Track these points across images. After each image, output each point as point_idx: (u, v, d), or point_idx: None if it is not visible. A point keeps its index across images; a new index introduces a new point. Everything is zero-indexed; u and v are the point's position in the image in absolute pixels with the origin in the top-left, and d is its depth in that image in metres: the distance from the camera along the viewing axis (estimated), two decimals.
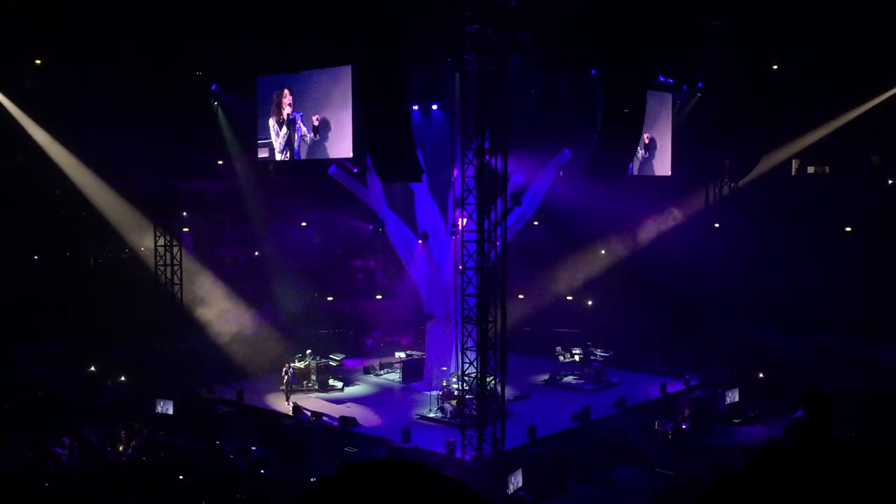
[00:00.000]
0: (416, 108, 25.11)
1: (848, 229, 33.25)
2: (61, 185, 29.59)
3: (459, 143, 20.68)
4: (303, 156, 24.56)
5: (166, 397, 24.96)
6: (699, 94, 28.83)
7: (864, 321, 29.64)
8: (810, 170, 36.71)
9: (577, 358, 29.02)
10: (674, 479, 20.90)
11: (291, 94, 24.34)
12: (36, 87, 28.83)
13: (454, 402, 23.54)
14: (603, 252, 34.88)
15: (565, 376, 28.96)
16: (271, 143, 25.13)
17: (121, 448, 22.58)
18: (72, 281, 30.36)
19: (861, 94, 31.24)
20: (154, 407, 25.01)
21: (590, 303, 34.30)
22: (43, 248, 31.78)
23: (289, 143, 24.65)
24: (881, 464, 1.98)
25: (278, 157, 25.30)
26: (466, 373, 20.32)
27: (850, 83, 30.74)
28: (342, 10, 21.34)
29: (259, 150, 25.84)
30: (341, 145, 23.61)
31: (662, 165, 28.16)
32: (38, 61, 28.01)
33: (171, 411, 24.80)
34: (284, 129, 24.59)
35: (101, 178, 28.88)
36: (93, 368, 28.26)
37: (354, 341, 33.24)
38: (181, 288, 26.85)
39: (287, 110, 24.47)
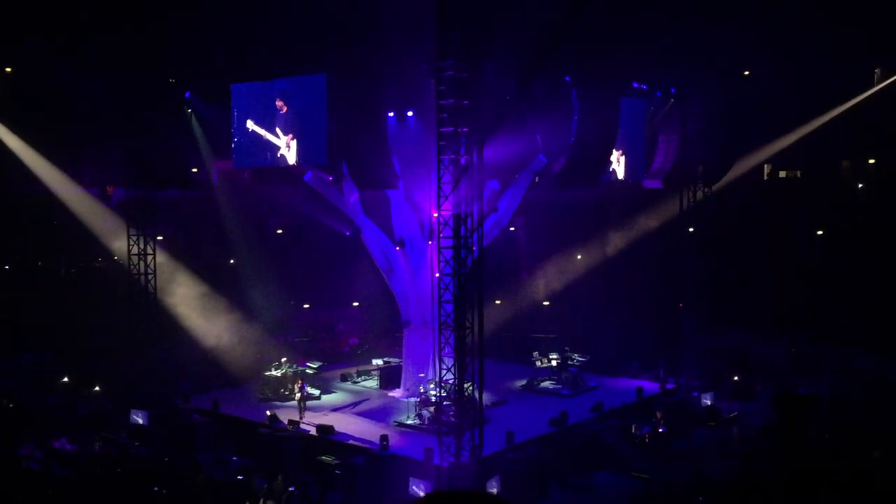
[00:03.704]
0: (391, 115, 25.13)
1: (820, 232, 33.67)
2: (33, 195, 29.26)
3: (435, 150, 20.70)
4: (284, 163, 24.47)
5: (141, 408, 24.71)
6: (672, 101, 29.08)
7: (837, 324, 30.00)
8: (782, 174, 37.13)
9: (554, 363, 29.11)
10: (651, 482, 20.99)
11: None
12: (7, 96, 28.51)
13: (432, 409, 23.52)
14: (579, 257, 35.06)
15: (542, 381, 29.03)
16: (264, 150, 24.80)
17: (96, 460, 22.30)
18: (45, 291, 30.02)
19: (831, 99, 31.67)
20: (128, 418, 24.75)
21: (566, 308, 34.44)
22: (15, 258, 31.40)
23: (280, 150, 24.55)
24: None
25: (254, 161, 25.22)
26: (444, 379, 20.31)
27: (820, 89, 31.17)
28: (317, 19, 21.32)
29: (243, 156, 25.63)
30: (317, 152, 23.57)
31: (637, 171, 28.34)
32: (7, 69, 27.70)
33: (145, 422, 24.54)
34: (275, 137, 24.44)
35: (75, 185, 28.60)
36: (66, 380, 27.93)
37: (331, 349, 33.14)
38: (155, 297, 26.61)
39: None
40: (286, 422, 24.11)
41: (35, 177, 28.14)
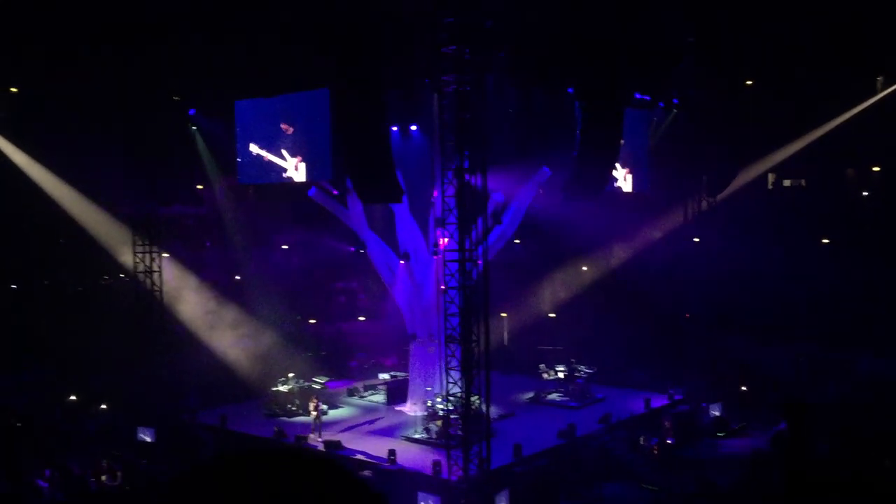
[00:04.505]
0: (394, 129, 25.21)
1: (825, 241, 33.60)
2: (39, 213, 29.34)
3: (439, 163, 20.77)
4: (289, 178, 24.54)
5: (148, 425, 24.69)
6: (675, 111, 29.11)
7: (843, 331, 29.89)
8: (786, 183, 37.09)
9: (561, 375, 29.03)
10: (660, 494, 20.90)
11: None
12: (12, 115, 28.65)
13: (439, 423, 23.47)
14: (584, 269, 35.04)
15: (550, 394, 28.97)
16: (268, 166, 24.81)
17: (103, 478, 22.29)
18: (51, 308, 30.06)
19: (835, 107, 31.67)
20: (135, 435, 24.72)
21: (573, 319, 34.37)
22: (21, 276, 31.47)
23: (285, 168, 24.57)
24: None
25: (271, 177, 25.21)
26: (451, 393, 20.29)
27: (824, 97, 31.18)
28: (319, 33, 21.42)
29: (249, 175, 25.67)
30: (321, 167, 23.64)
31: (641, 182, 28.38)
32: (13, 89, 27.83)
33: (152, 439, 24.51)
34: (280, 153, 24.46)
35: (82, 201, 28.67)
36: (73, 397, 27.94)
37: (338, 364, 33.12)
38: (162, 313, 26.65)
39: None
40: (294, 437, 24.09)
41: (42, 194, 28.23)
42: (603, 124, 23.00)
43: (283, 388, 27.49)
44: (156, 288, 26.33)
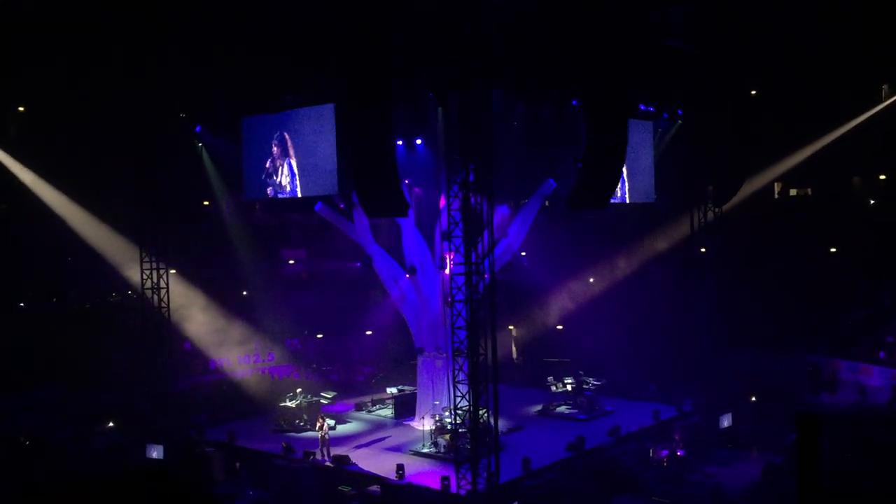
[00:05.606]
0: (400, 142, 25.25)
1: (833, 250, 33.50)
2: (46, 231, 29.47)
3: (444, 177, 20.78)
4: (295, 193, 24.62)
5: (156, 442, 24.66)
6: (680, 122, 29.10)
7: (853, 339, 29.74)
8: (792, 192, 37.05)
9: (569, 387, 28.94)
10: None
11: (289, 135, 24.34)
12: (19, 134, 28.83)
13: (447, 437, 23.39)
14: (591, 280, 34.97)
15: (558, 406, 28.87)
16: (275, 181, 24.92)
17: None
18: (59, 326, 30.13)
19: (840, 116, 31.66)
20: (144, 452, 24.68)
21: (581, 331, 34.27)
22: (29, 295, 31.57)
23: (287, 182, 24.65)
24: None
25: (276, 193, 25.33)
26: (459, 406, 20.23)
27: (829, 106, 31.17)
28: (323, 48, 21.52)
29: (254, 190, 25.75)
30: (327, 182, 23.68)
31: (646, 193, 28.35)
32: (21, 108, 28.03)
33: (161, 456, 24.46)
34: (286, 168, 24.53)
35: (90, 219, 28.80)
36: (82, 415, 27.92)
37: (345, 378, 33.08)
38: (169, 330, 26.66)
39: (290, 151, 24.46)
40: (302, 453, 24.02)
41: (49, 212, 28.37)
42: (608, 136, 22.99)
43: (291, 404, 27.45)
44: (163, 304, 26.36)
